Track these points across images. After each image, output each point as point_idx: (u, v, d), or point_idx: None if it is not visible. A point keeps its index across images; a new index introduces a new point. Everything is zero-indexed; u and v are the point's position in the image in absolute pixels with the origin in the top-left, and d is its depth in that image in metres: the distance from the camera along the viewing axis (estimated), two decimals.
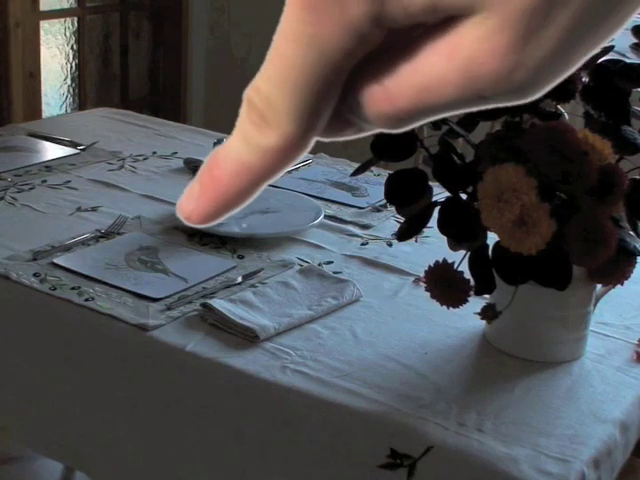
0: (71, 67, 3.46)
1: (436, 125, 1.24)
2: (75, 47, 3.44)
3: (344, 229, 1.72)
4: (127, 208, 1.75)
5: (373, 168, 1.72)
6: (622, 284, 1.27)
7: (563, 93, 1.26)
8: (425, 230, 1.29)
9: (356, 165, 1.34)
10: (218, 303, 1.36)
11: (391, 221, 1.76)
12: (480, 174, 1.17)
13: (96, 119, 2.41)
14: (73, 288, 1.43)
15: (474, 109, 0.28)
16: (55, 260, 1.51)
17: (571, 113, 1.40)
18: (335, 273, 1.51)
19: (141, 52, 3.70)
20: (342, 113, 0.29)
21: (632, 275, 1.26)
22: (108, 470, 1.42)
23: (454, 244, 1.24)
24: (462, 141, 1.30)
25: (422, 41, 0.27)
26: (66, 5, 3.41)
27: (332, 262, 1.57)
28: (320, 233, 1.69)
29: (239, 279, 1.48)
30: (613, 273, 1.24)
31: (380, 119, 0.28)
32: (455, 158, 1.23)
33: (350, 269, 1.55)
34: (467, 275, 1.23)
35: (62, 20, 3.40)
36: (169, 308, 1.38)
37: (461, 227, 1.20)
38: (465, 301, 1.24)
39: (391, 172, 1.23)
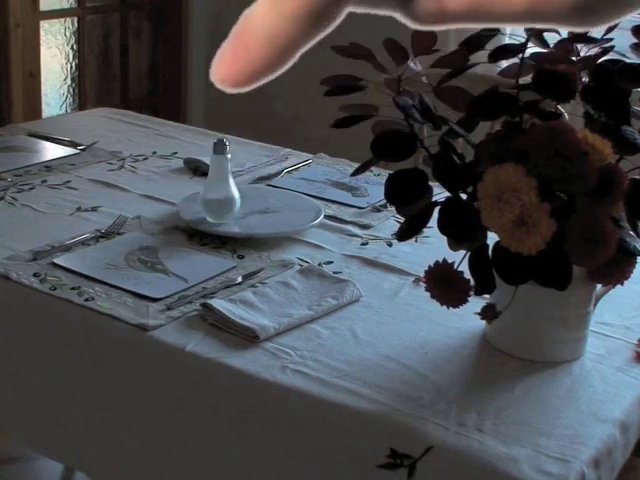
0: (71, 67, 3.46)
1: (436, 125, 1.24)
2: (75, 47, 3.44)
3: (344, 229, 1.72)
4: (127, 208, 1.75)
5: (373, 168, 1.73)
6: (622, 284, 1.27)
7: (563, 93, 1.26)
8: (425, 230, 1.29)
9: (356, 165, 1.34)
10: (218, 303, 1.36)
11: (391, 221, 1.76)
12: (480, 174, 1.17)
13: (96, 119, 2.41)
14: (73, 288, 1.43)
15: (525, 26, 0.27)
16: (55, 260, 1.51)
17: (571, 113, 1.40)
18: (335, 273, 1.51)
19: (141, 52, 3.70)
20: None
21: (632, 275, 1.26)
22: (108, 470, 1.42)
23: (454, 244, 1.24)
24: (462, 141, 1.30)
25: None
26: (66, 5, 3.41)
27: (332, 262, 1.57)
28: (320, 233, 1.69)
29: (239, 279, 1.48)
30: (613, 273, 1.24)
31: (426, 15, 0.27)
32: (455, 158, 1.23)
33: (350, 269, 1.55)
34: (467, 275, 1.23)
35: (62, 20, 3.40)
36: (169, 308, 1.38)
37: (461, 227, 1.20)
38: (465, 301, 1.24)
39: (391, 172, 1.23)
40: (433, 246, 1.58)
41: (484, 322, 1.29)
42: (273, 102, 3.60)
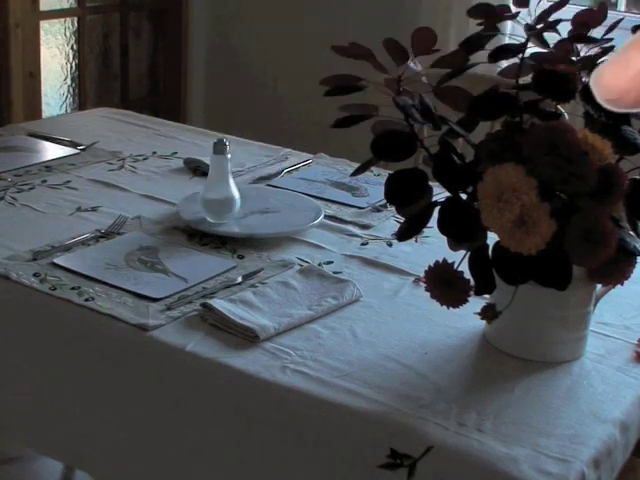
0: (71, 67, 3.46)
1: (436, 125, 1.24)
2: (75, 47, 3.44)
3: (344, 229, 1.72)
4: (127, 208, 1.75)
5: (373, 168, 1.73)
6: (622, 284, 1.27)
7: (563, 93, 1.26)
8: (425, 230, 1.29)
9: (356, 165, 1.34)
10: (218, 303, 1.36)
11: (391, 221, 1.76)
12: (480, 174, 1.17)
13: (96, 119, 2.41)
14: (73, 288, 1.43)
15: None
16: (55, 260, 1.51)
17: (571, 113, 1.40)
18: (335, 273, 1.51)
19: (141, 52, 3.70)
20: None
21: (632, 275, 1.26)
22: (108, 470, 1.42)
23: (454, 244, 1.24)
24: (462, 141, 1.30)
25: None
26: (66, 5, 3.41)
27: (332, 262, 1.57)
28: (320, 233, 1.69)
29: (239, 279, 1.48)
30: (613, 273, 1.24)
31: None
32: (455, 158, 1.22)
33: (350, 269, 1.55)
34: (467, 275, 1.23)
35: (62, 20, 3.39)
36: (169, 308, 1.38)
37: (461, 227, 1.20)
38: (465, 301, 1.24)
39: (391, 172, 1.23)
40: (433, 246, 1.58)
41: (484, 322, 1.29)
42: (273, 102, 3.60)
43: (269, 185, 1.93)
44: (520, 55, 1.27)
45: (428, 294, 1.26)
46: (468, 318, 1.31)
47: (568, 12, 1.31)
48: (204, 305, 1.37)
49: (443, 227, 1.20)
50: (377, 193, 1.81)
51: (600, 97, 0.26)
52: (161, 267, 1.51)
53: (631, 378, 1.27)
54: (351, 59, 1.28)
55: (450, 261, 1.23)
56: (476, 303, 1.25)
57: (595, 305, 1.31)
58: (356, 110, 1.26)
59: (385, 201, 1.45)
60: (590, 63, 1.27)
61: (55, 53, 3.40)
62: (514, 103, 1.24)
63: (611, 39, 1.29)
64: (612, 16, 1.38)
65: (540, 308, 1.27)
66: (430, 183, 1.21)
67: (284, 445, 1.22)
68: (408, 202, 1.23)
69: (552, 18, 1.29)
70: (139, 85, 3.73)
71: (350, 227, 1.74)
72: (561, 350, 1.30)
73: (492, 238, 1.20)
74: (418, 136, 1.23)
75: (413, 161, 1.29)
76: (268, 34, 3.58)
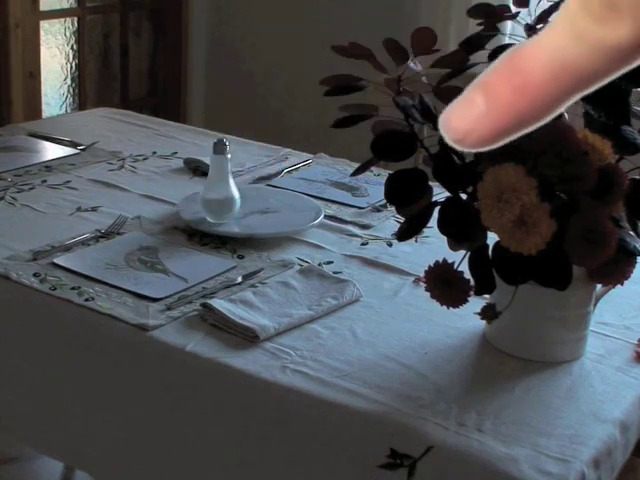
0: (71, 67, 3.46)
1: (436, 125, 1.24)
2: (75, 47, 3.44)
3: (344, 229, 1.72)
4: (127, 208, 1.75)
5: (373, 168, 1.73)
6: (622, 284, 1.27)
7: None
8: (425, 230, 1.29)
9: (356, 165, 1.34)
10: (218, 303, 1.36)
11: (391, 221, 1.76)
12: (480, 174, 1.17)
13: (96, 119, 2.41)
14: (73, 288, 1.43)
15: None
16: (55, 260, 1.51)
17: (571, 113, 1.40)
18: (335, 273, 1.51)
19: (141, 52, 3.70)
20: None
21: (632, 275, 1.26)
22: (108, 470, 1.42)
23: (454, 244, 1.24)
24: None
25: None
26: (66, 5, 3.41)
27: (332, 262, 1.57)
28: (320, 233, 1.69)
29: (239, 279, 1.48)
30: (613, 273, 1.24)
31: None
32: (455, 158, 1.23)
33: (350, 269, 1.55)
34: (467, 275, 1.23)
35: (62, 20, 3.40)
36: (169, 308, 1.38)
37: (461, 227, 1.20)
38: (465, 301, 1.24)
39: (391, 172, 1.23)
40: (433, 246, 1.58)
41: (484, 322, 1.29)
42: (273, 102, 3.60)
43: (269, 185, 1.93)
44: None
45: (428, 294, 1.26)
46: (468, 318, 1.31)
47: None
48: (204, 305, 1.37)
49: (443, 227, 1.20)
50: (377, 193, 1.81)
51: (446, 137, 0.26)
52: (161, 267, 1.51)
53: (631, 378, 1.27)
54: (351, 59, 1.28)
55: (450, 261, 1.23)
56: (476, 303, 1.25)
57: (595, 305, 1.31)
58: (356, 110, 1.26)
59: (385, 201, 1.45)
60: None
61: (55, 53, 3.40)
62: None
63: None
64: None
65: (540, 308, 1.27)
66: (430, 183, 1.21)
67: (284, 445, 1.22)
68: (408, 202, 1.23)
69: (552, 18, 1.29)
70: (139, 85, 3.74)
71: (350, 227, 1.74)
72: (561, 350, 1.30)
73: (492, 238, 1.20)
74: (418, 136, 1.23)
75: (413, 161, 1.29)
76: (268, 34, 3.58)
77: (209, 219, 1.66)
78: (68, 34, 3.42)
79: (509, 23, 2.44)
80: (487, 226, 1.17)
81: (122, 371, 1.36)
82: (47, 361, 1.43)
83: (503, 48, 1.29)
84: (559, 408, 1.19)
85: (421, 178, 1.21)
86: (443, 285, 1.24)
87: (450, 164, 1.22)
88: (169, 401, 1.31)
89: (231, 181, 1.66)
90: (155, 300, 1.40)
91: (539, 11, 1.31)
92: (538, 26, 1.29)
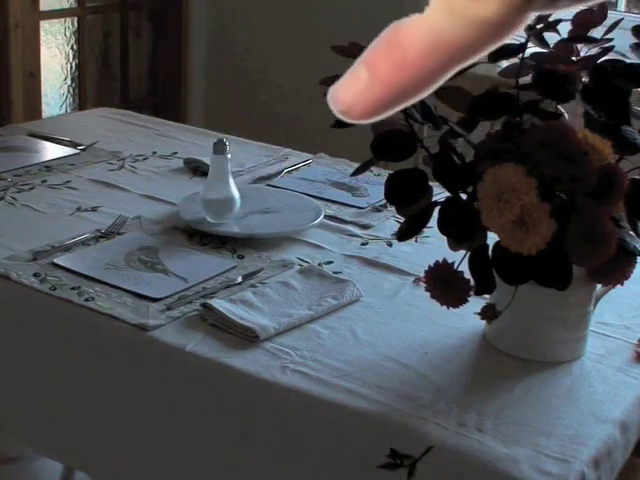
0: (71, 67, 3.46)
1: (436, 125, 1.24)
2: (75, 47, 3.44)
3: (344, 229, 1.72)
4: (127, 208, 1.75)
5: (373, 168, 1.72)
6: (622, 284, 1.27)
7: (563, 93, 1.26)
8: (425, 230, 1.29)
9: (356, 165, 1.34)
10: (218, 303, 1.36)
11: (391, 221, 1.76)
12: (480, 174, 1.17)
13: (96, 119, 2.41)
14: (73, 288, 1.43)
15: None
16: (55, 260, 1.51)
17: (571, 113, 1.40)
18: (335, 273, 1.51)
19: (141, 52, 3.70)
20: None
21: (632, 275, 1.26)
22: (108, 470, 1.42)
23: (454, 244, 1.24)
24: (462, 141, 1.29)
25: None
26: (66, 5, 3.41)
27: (332, 262, 1.57)
28: (320, 233, 1.69)
29: (239, 279, 1.48)
30: (613, 273, 1.24)
31: None
32: (455, 158, 1.22)
33: (350, 269, 1.55)
34: (467, 275, 1.23)
35: (62, 20, 3.39)
36: (169, 308, 1.38)
37: (461, 227, 1.20)
38: (465, 301, 1.24)
39: (391, 172, 1.23)
40: (433, 246, 1.58)
41: (484, 322, 1.29)
42: (273, 102, 3.60)
43: (269, 185, 1.93)
44: (520, 55, 1.27)
45: (428, 294, 1.26)
46: (468, 318, 1.31)
47: (568, 12, 1.31)
48: (204, 305, 1.37)
49: (443, 227, 1.20)
50: (377, 193, 1.81)
51: (332, 107, 0.27)
52: (161, 267, 1.51)
53: (631, 378, 1.27)
54: (351, 59, 1.28)
55: (450, 261, 1.23)
56: (476, 303, 1.25)
57: (595, 305, 1.31)
58: None
59: (385, 201, 1.45)
60: (590, 63, 1.27)
61: (55, 53, 3.40)
62: (514, 103, 1.24)
63: (611, 39, 1.29)
64: (612, 16, 1.38)
65: (540, 308, 1.27)
66: (430, 183, 1.21)
67: (284, 445, 1.22)
68: (408, 202, 1.23)
69: (552, 18, 1.29)
70: (139, 85, 3.73)
71: (350, 227, 1.74)
72: (561, 350, 1.30)
73: (492, 238, 1.20)
74: (418, 136, 1.23)
75: (413, 161, 1.29)
76: (268, 34, 3.58)
77: (209, 219, 1.66)
78: (68, 34, 3.42)
79: None
80: (487, 226, 1.17)
81: (122, 371, 1.36)
82: (47, 361, 1.43)
83: (503, 48, 1.30)
84: (559, 408, 1.19)
85: (421, 178, 1.20)
86: (443, 285, 1.24)
87: (450, 164, 1.22)
88: (169, 401, 1.31)
89: (231, 181, 1.66)
90: (155, 300, 1.40)
91: None
92: (538, 26, 1.29)
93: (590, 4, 0.26)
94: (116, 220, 1.68)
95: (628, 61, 1.27)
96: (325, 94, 0.31)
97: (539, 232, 1.14)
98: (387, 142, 1.21)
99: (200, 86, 3.78)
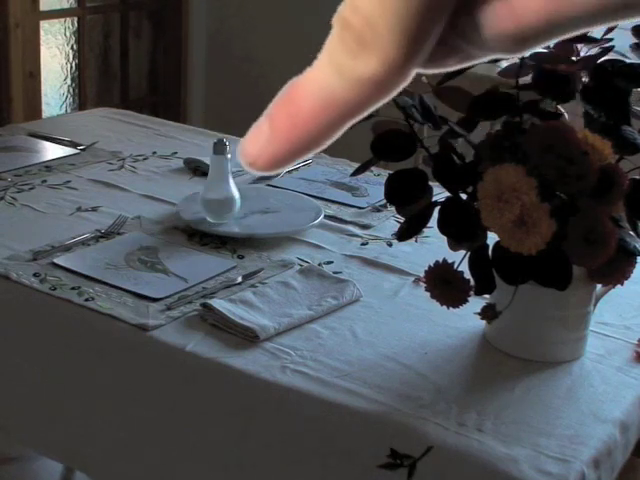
0: (71, 67, 3.46)
1: (436, 125, 1.24)
2: (75, 47, 3.44)
3: (344, 229, 1.72)
4: (127, 208, 1.75)
5: (373, 168, 1.72)
6: (622, 284, 1.27)
7: (563, 93, 1.26)
8: (425, 230, 1.29)
9: (356, 165, 1.34)
10: (218, 303, 1.36)
11: (391, 221, 1.76)
12: (480, 174, 1.17)
13: (96, 119, 2.41)
14: (73, 288, 1.43)
15: (608, 24, 0.25)
16: (55, 260, 1.51)
17: (571, 113, 1.40)
18: (335, 273, 1.51)
19: (141, 52, 3.70)
20: (450, 38, 0.26)
21: (632, 275, 1.26)
22: (108, 470, 1.42)
23: (454, 244, 1.24)
24: (462, 141, 1.29)
25: None
26: (66, 5, 3.41)
27: (332, 262, 1.57)
28: (320, 233, 1.69)
29: (239, 279, 1.48)
30: (613, 273, 1.24)
31: (501, 40, 0.25)
32: (455, 158, 1.22)
33: (350, 269, 1.55)
34: (467, 275, 1.23)
35: (62, 20, 3.40)
36: (169, 308, 1.38)
37: (461, 227, 1.20)
38: (465, 301, 1.24)
39: (391, 172, 1.23)
40: (433, 246, 1.58)
41: (484, 322, 1.29)
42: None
43: (269, 185, 1.93)
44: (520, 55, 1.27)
45: (428, 294, 1.26)
46: (468, 318, 1.31)
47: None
48: (204, 305, 1.37)
49: (443, 227, 1.20)
50: (377, 193, 1.81)
51: (239, 160, 0.29)
52: (161, 267, 1.51)
53: (631, 378, 1.27)
54: None
55: (450, 261, 1.23)
56: (476, 303, 1.25)
57: (595, 305, 1.31)
58: None
59: (385, 201, 1.45)
60: (590, 63, 1.27)
61: (55, 53, 3.40)
62: (514, 103, 1.24)
63: (611, 39, 1.29)
64: None
65: (540, 308, 1.27)
66: (430, 183, 1.21)
67: (284, 445, 1.22)
68: (408, 202, 1.23)
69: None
70: (139, 85, 3.74)
71: (350, 227, 1.74)
72: (561, 350, 1.30)
73: (492, 238, 1.20)
74: (418, 136, 1.23)
75: (413, 161, 1.29)
76: (268, 34, 3.58)
77: (209, 219, 1.66)
78: (68, 34, 3.42)
79: None
80: (487, 226, 1.17)
81: (122, 371, 1.36)
82: (47, 361, 1.43)
83: None
84: (559, 408, 1.19)
85: (421, 178, 1.21)
86: (443, 285, 1.24)
87: (450, 164, 1.22)
88: (169, 401, 1.31)
89: (231, 181, 1.66)
90: (155, 300, 1.40)
91: None
92: None
93: (477, 63, 0.28)
94: (116, 220, 1.68)
95: (628, 61, 1.27)
96: None
97: (539, 232, 1.14)
98: (387, 142, 1.21)
99: (200, 86, 3.78)
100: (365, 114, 0.27)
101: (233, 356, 1.27)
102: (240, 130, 0.34)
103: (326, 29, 0.28)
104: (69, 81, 3.47)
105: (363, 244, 1.66)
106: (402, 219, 1.29)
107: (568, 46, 1.29)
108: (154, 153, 2.10)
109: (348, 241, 1.67)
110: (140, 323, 1.33)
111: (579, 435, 1.14)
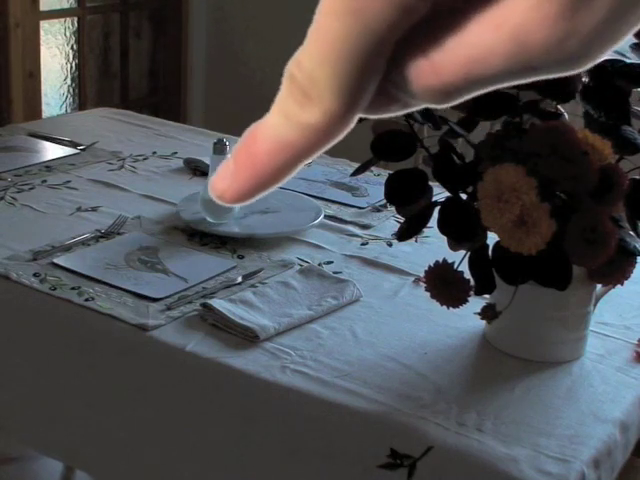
0: (71, 67, 3.46)
1: (436, 125, 1.24)
2: (75, 47, 3.44)
3: (344, 229, 1.72)
4: (127, 208, 1.75)
5: (373, 168, 1.73)
6: (622, 284, 1.27)
7: (563, 93, 1.26)
8: (425, 230, 1.29)
9: (356, 165, 1.34)
10: (218, 303, 1.36)
11: (391, 221, 1.76)
12: (480, 174, 1.17)
13: (96, 119, 2.41)
14: (73, 288, 1.43)
15: (523, 80, 0.27)
16: (55, 260, 1.51)
17: (571, 113, 1.40)
18: (335, 273, 1.51)
19: (141, 52, 3.70)
20: (387, 89, 0.29)
21: (632, 275, 1.26)
22: (108, 470, 1.42)
23: (454, 244, 1.24)
24: (462, 141, 1.29)
25: (467, 12, 0.26)
26: (66, 5, 3.41)
27: (332, 262, 1.57)
28: (320, 233, 1.69)
29: (239, 279, 1.48)
30: (613, 273, 1.24)
31: (427, 94, 0.28)
32: (455, 158, 1.23)
33: (350, 269, 1.55)
34: (467, 275, 1.23)
35: (62, 20, 3.40)
36: (169, 308, 1.38)
37: (461, 227, 1.20)
38: (465, 301, 1.24)
39: (391, 172, 1.23)
40: (433, 246, 1.58)
41: (484, 322, 1.29)
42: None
43: None
44: None
45: (428, 294, 1.26)
46: (468, 318, 1.31)
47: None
48: (204, 305, 1.37)
49: (443, 227, 1.20)
50: (377, 193, 1.81)
51: (210, 193, 0.32)
52: (161, 267, 1.51)
53: (631, 378, 1.27)
54: None
55: (450, 261, 1.23)
56: (476, 303, 1.25)
57: (595, 305, 1.31)
58: None
59: (385, 201, 1.45)
60: None
61: (55, 53, 3.40)
62: (514, 103, 1.24)
63: None
64: None
65: (540, 308, 1.27)
66: (430, 183, 1.21)
67: (284, 445, 1.22)
68: (408, 202, 1.23)
69: None
70: (139, 85, 3.74)
71: (350, 227, 1.74)
72: (561, 350, 1.30)
73: (492, 238, 1.20)
74: (418, 136, 1.23)
75: (413, 161, 1.29)
76: (268, 34, 3.58)
77: (209, 219, 1.66)
78: (68, 34, 3.42)
79: None
80: (487, 226, 1.17)
81: (122, 371, 1.36)
82: (47, 361, 1.43)
83: None
84: (559, 408, 1.19)
85: (421, 178, 1.21)
86: (443, 285, 1.24)
87: (450, 164, 1.22)
88: (169, 401, 1.31)
89: None
90: (155, 300, 1.40)
91: None
92: None
93: (417, 109, 0.30)
94: (116, 220, 1.68)
95: (628, 61, 1.27)
96: None
97: (539, 232, 1.14)
98: (387, 142, 1.21)
99: (200, 86, 3.78)
100: (317, 155, 0.30)
101: (233, 356, 1.27)
102: (240, 130, 0.35)
103: None
104: (69, 81, 3.47)
105: (363, 244, 1.66)
106: (402, 219, 1.29)
107: None
108: (154, 153, 2.10)
109: (348, 241, 1.67)
110: (140, 323, 1.33)
111: (579, 435, 1.14)
